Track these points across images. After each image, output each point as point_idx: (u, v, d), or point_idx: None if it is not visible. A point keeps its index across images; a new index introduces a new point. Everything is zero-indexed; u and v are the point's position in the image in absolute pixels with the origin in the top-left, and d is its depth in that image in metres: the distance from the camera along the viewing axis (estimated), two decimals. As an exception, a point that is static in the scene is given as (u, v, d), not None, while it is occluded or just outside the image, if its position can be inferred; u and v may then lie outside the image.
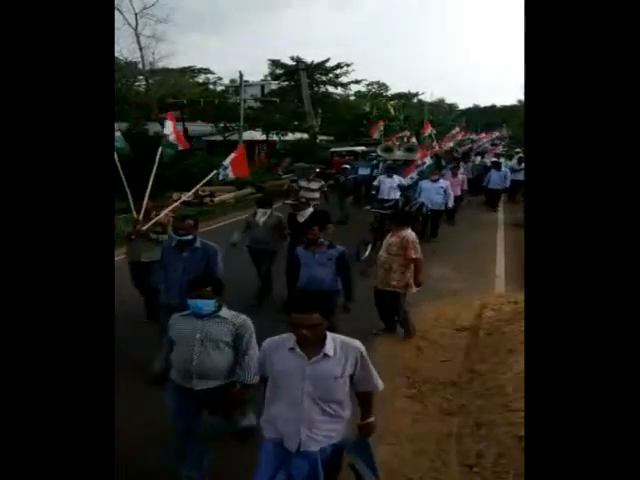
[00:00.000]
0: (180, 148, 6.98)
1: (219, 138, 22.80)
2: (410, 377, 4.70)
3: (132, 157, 7.76)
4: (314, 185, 10.11)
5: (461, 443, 3.66)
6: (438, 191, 10.30)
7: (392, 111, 27.43)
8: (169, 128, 6.86)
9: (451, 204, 10.63)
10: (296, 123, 26.67)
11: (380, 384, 2.57)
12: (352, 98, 40.77)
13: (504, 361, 4.65)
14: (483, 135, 31.18)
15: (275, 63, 37.42)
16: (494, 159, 16.82)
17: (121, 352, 2.98)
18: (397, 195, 10.44)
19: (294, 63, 35.09)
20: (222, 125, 22.70)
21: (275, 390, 2.51)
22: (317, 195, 9.95)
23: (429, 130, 17.44)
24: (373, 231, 8.70)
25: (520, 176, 13.68)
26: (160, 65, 23.26)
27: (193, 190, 7.38)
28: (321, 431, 2.44)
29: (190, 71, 34.14)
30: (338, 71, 37.53)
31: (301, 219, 6.67)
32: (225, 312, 3.15)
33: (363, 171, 14.29)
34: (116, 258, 5.57)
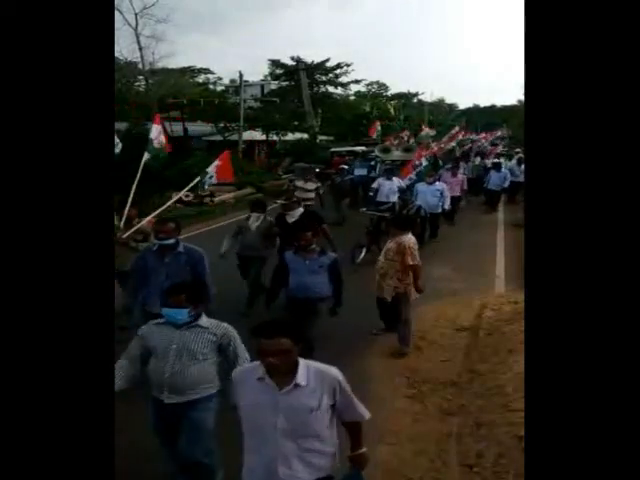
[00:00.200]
0: (164, 154, 6.67)
1: (219, 138, 22.78)
2: (410, 377, 4.69)
3: (120, 160, 7.59)
4: (310, 186, 10.01)
5: (461, 443, 3.66)
6: (434, 194, 10.20)
7: (392, 111, 27.52)
8: (154, 132, 6.54)
9: (447, 206, 10.56)
10: (296, 123, 26.71)
11: (366, 414, 2.34)
12: (352, 98, 40.90)
13: (504, 361, 4.66)
14: (483, 135, 31.15)
15: (275, 63, 37.48)
16: (495, 160, 16.79)
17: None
18: (395, 198, 10.32)
19: (294, 63, 35.12)
20: (222, 125, 22.71)
21: (248, 430, 2.25)
22: (312, 195, 9.82)
23: (425, 131, 17.48)
24: (368, 234, 8.60)
25: (520, 178, 13.64)
26: (160, 65, 23.21)
27: (174, 199, 7.35)
28: (302, 468, 2.19)
29: (190, 71, 34.17)
30: (338, 71, 37.63)
31: (290, 220, 6.31)
32: (205, 321, 2.95)
33: (360, 171, 14.07)
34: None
